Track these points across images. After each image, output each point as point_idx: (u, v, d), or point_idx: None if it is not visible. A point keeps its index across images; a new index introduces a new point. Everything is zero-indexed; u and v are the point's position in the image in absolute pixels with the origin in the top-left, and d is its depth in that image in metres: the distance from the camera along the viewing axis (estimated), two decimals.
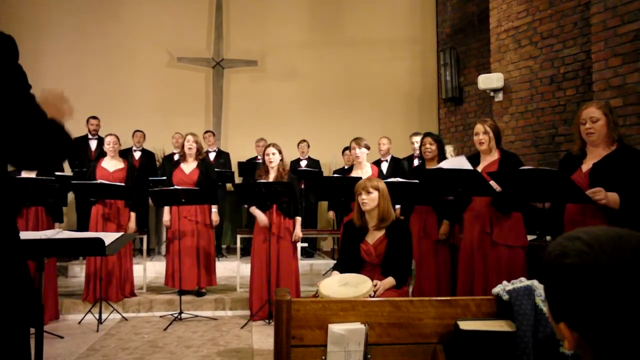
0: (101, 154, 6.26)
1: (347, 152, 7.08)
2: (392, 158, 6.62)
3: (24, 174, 4.62)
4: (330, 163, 8.01)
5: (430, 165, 4.48)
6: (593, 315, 0.78)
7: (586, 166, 3.04)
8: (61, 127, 1.33)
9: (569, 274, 0.80)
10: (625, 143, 3.04)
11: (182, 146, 5.37)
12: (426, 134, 4.71)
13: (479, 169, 3.73)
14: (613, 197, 2.82)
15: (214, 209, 5.38)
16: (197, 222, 5.22)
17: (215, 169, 6.29)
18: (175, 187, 4.92)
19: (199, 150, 5.34)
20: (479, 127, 3.78)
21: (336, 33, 8.90)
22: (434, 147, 4.52)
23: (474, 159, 3.89)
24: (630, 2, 4.42)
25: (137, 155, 7.26)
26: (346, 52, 8.83)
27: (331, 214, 6.98)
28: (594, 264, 0.78)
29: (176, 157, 6.68)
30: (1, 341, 1.12)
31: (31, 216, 4.56)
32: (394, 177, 4.69)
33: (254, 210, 4.90)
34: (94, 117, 7.09)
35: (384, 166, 6.40)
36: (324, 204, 7.76)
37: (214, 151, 7.43)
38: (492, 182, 3.42)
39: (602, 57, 4.67)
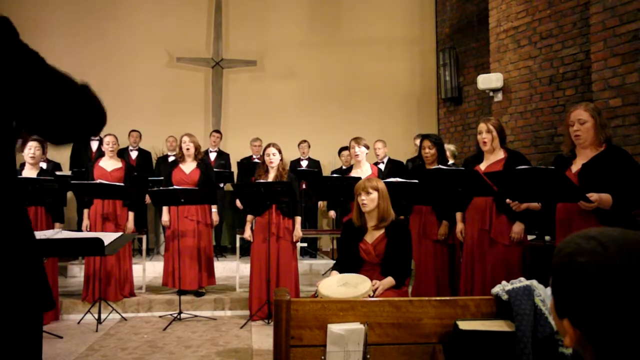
0: (101, 154, 6.27)
1: (343, 152, 7.10)
2: (389, 160, 6.62)
3: (24, 174, 4.62)
4: (330, 163, 8.01)
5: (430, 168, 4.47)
6: (599, 315, 0.78)
7: (575, 167, 3.07)
8: (93, 94, 1.30)
9: (581, 272, 0.80)
10: (613, 144, 3.09)
11: (180, 147, 5.37)
12: (425, 137, 4.62)
13: (482, 167, 3.73)
14: (606, 198, 2.84)
15: (214, 209, 5.38)
16: (198, 221, 5.23)
17: (215, 169, 6.30)
18: (175, 187, 4.92)
19: (197, 151, 5.33)
20: (482, 126, 3.77)
21: (335, 33, 8.90)
22: (433, 151, 4.43)
23: (476, 158, 3.90)
24: (629, 2, 4.42)
25: (133, 155, 7.26)
26: (345, 52, 8.82)
27: (331, 213, 6.98)
28: (606, 265, 0.78)
29: (170, 160, 6.68)
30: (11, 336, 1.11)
31: (30, 216, 4.54)
32: (391, 178, 4.68)
33: (249, 218, 5.05)
34: None
35: (381, 168, 6.40)
36: (324, 204, 7.75)
37: (215, 151, 7.43)
38: (509, 201, 3.44)
39: (601, 57, 4.67)
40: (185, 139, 5.31)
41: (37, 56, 1.18)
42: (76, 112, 1.21)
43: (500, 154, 3.75)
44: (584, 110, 3.03)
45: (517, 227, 3.62)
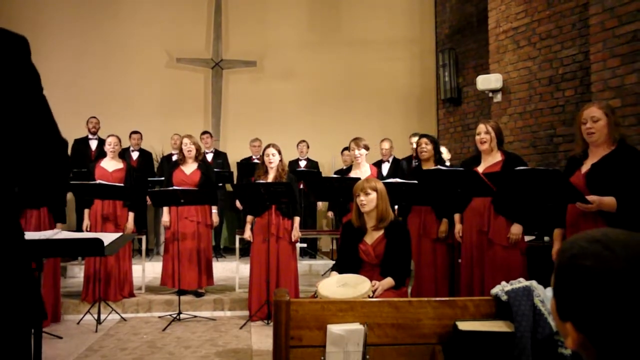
0: (101, 154, 6.26)
1: (346, 152, 7.10)
2: (394, 159, 6.63)
3: None
4: (330, 163, 8.01)
5: (426, 166, 4.51)
6: (604, 320, 0.77)
7: (585, 167, 3.05)
8: (66, 149, 1.27)
9: (586, 275, 0.79)
10: (626, 142, 3.03)
11: (180, 149, 5.37)
12: (422, 135, 4.75)
13: (480, 169, 3.74)
14: (608, 201, 2.82)
15: (214, 210, 5.38)
16: (198, 222, 5.22)
17: (214, 169, 6.29)
18: (174, 187, 4.92)
19: (198, 152, 5.35)
20: (481, 127, 3.81)
21: (335, 33, 8.90)
22: (429, 147, 4.54)
23: (474, 160, 3.91)
24: (629, 3, 4.42)
25: (134, 155, 7.26)
26: (345, 52, 8.82)
27: (330, 214, 6.99)
28: (612, 269, 0.77)
29: (174, 158, 6.67)
30: (2, 342, 1.12)
31: (33, 216, 4.54)
32: (395, 177, 4.70)
33: (248, 219, 5.02)
34: (93, 117, 7.10)
35: (385, 167, 6.41)
36: (324, 205, 7.76)
37: (211, 152, 7.43)
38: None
39: (601, 58, 4.68)
40: (186, 140, 5.32)
41: (38, 85, 1.20)
42: (50, 158, 1.19)
43: (498, 156, 3.78)
44: (597, 108, 2.99)
45: (515, 229, 3.64)
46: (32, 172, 1.17)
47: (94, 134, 7.06)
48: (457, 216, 4.08)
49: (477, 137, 3.81)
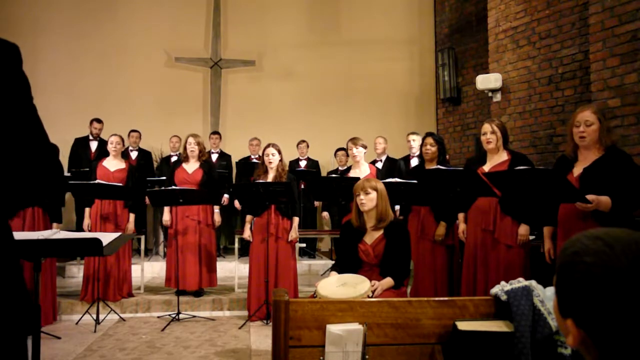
0: (100, 154, 6.24)
1: (339, 153, 7.11)
2: (388, 158, 6.61)
3: None
4: (329, 163, 8.00)
5: (429, 166, 4.48)
6: (604, 316, 0.77)
7: (577, 170, 3.10)
8: (57, 154, 1.27)
9: (586, 272, 0.80)
10: (616, 147, 3.09)
11: (184, 147, 5.35)
12: (428, 134, 4.68)
13: (486, 168, 3.74)
14: (605, 200, 2.86)
15: (216, 209, 5.37)
16: (199, 222, 5.21)
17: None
18: (173, 187, 4.91)
19: (201, 152, 5.33)
20: (486, 127, 3.80)
21: (334, 33, 8.89)
22: (434, 149, 4.47)
23: (480, 159, 3.90)
24: (628, 3, 4.42)
25: (133, 155, 7.24)
26: (344, 52, 8.82)
27: (325, 214, 6.97)
28: (612, 266, 0.78)
29: (174, 160, 6.66)
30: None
31: (28, 216, 4.51)
32: (389, 177, 4.67)
33: (248, 219, 5.01)
34: (98, 121, 7.02)
35: (379, 166, 6.38)
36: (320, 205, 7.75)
37: (217, 152, 7.42)
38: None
39: (600, 58, 4.67)
40: (190, 139, 5.31)
41: (28, 92, 1.19)
42: (40, 163, 1.18)
43: (504, 156, 3.77)
44: (591, 112, 3.06)
45: (523, 230, 3.63)
46: (20, 177, 1.16)
47: (96, 137, 7.03)
48: (461, 215, 4.07)
49: (483, 137, 3.80)
